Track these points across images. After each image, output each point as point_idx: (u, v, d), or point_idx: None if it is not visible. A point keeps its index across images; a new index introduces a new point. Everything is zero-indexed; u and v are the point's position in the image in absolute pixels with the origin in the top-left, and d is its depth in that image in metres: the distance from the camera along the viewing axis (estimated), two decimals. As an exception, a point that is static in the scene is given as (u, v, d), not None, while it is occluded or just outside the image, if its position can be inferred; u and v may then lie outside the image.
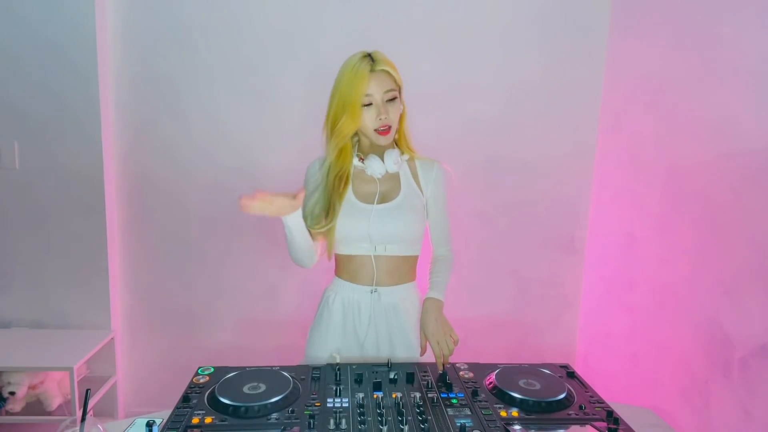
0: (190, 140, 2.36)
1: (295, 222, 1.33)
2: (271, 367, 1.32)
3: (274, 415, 1.09)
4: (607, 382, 2.27)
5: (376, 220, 1.40)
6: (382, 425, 1.07)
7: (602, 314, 2.37)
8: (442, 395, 1.20)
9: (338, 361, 1.41)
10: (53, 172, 2.26)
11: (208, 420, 1.08)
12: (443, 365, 1.31)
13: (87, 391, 1.12)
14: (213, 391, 1.18)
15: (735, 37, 1.61)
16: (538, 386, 1.23)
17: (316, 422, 1.06)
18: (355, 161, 1.44)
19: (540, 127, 2.41)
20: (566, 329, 2.57)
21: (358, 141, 1.47)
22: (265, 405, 1.12)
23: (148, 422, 1.04)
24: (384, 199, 1.43)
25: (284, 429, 1.05)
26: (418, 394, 1.20)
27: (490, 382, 1.26)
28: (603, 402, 1.20)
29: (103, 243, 2.30)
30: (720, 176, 1.64)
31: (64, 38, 2.18)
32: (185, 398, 1.17)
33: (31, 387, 2.12)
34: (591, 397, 1.22)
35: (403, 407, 1.13)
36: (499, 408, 1.15)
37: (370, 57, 1.35)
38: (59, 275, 2.32)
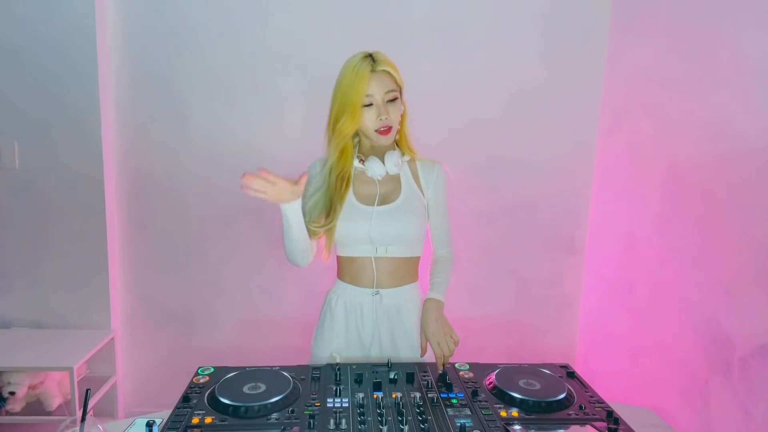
0: (190, 140, 2.36)
1: (293, 212, 1.32)
2: (271, 367, 1.32)
3: (274, 415, 1.10)
4: (607, 382, 2.27)
5: (377, 221, 1.40)
6: (382, 425, 1.07)
7: (602, 314, 2.37)
8: (442, 395, 1.20)
9: (338, 361, 1.41)
10: (53, 172, 2.26)
11: (208, 420, 1.08)
12: (443, 365, 1.31)
13: (87, 391, 1.12)
14: (213, 391, 1.18)
15: (735, 37, 1.61)
16: (538, 386, 1.23)
17: (316, 422, 1.06)
18: (356, 163, 1.44)
19: (540, 127, 2.41)
20: (566, 329, 2.57)
21: (359, 142, 1.47)
22: (265, 405, 1.12)
23: (148, 422, 1.04)
24: (384, 200, 1.43)
25: (284, 429, 1.05)
26: (418, 394, 1.20)
27: (490, 382, 1.26)
28: (603, 402, 1.20)
29: (103, 243, 2.30)
30: (720, 176, 1.64)
31: (64, 38, 2.18)
32: (185, 398, 1.17)
33: (31, 387, 2.12)
34: (591, 397, 1.22)
35: (403, 407, 1.13)
36: (499, 408, 1.15)
37: (371, 57, 1.35)
38: (59, 275, 2.32)
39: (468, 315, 2.49)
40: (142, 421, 1.13)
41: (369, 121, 1.36)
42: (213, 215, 2.40)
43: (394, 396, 1.19)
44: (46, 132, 2.23)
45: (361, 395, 1.19)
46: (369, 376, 1.29)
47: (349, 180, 1.42)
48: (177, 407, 1.13)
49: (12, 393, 2.05)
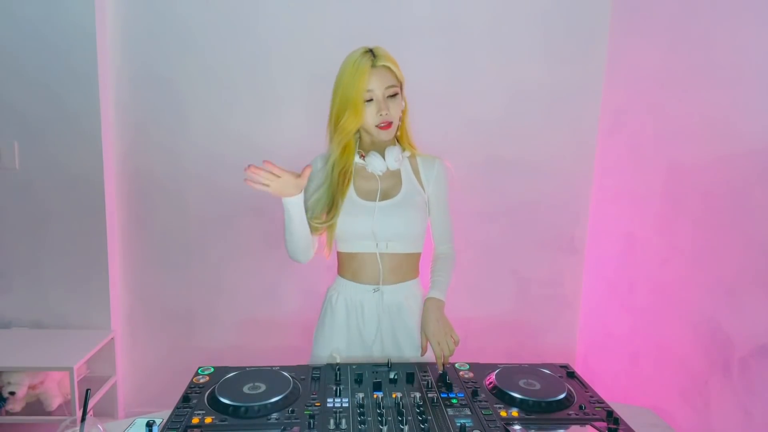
0: (190, 140, 2.36)
1: (296, 205, 1.32)
2: (271, 367, 1.32)
3: (274, 415, 1.09)
4: (607, 382, 2.27)
5: (379, 217, 1.40)
6: (382, 425, 1.07)
7: (602, 314, 2.37)
8: (442, 395, 1.20)
9: (338, 361, 1.41)
10: (53, 172, 2.26)
11: (208, 420, 1.08)
12: (443, 365, 1.31)
13: (87, 391, 1.12)
14: (213, 391, 1.18)
15: (735, 37, 1.61)
16: (538, 386, 1.23)
17: (316, 422, 1.06)
18: (356, 158, 1.44)
19: (540, 128, 2.41)
20: (566, 329, 2.57)
21: (359, 137, 1.46)
22: (265, 405, 1.12)
23: (148, 422, 1.04)
24: (385, 196, 1.43)
25: (284, 429, 1.04)
26: (418, 394, 1.20)
27: (490, 382, 1.26)
28: (603, 402, 1.20)
29: (103, 243, 2.30)
30: (720, 176, 1.64)
31: (64, 38, 2.18)
32: (185, 398, 1.17)
33: (31, 387, 2.12)
34: (591, 397, 1.22)
35: (403, 407, 1.13)
36: (499, 408, 1.15)
37: (371, 52, 1.35)
38: (59, 275, 2.32)
39: (468, 315, 2.49)
40: (142, 421, 1.13)
41: (369, 116, 1.36)
42: (213, 215, 2.40)
43: (394, 396, 1.19)
44: (46, 132, 2.23)
45: (361, 395, 1.19)
46: (369, 376, 1.29)
47: (351, 176, 1.42)
48: (177, 407, 1.13)
49: (12, 393, 2.05)
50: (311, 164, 1.46)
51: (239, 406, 1.11)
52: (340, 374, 1.28)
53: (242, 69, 2.32)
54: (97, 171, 2.26)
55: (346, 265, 1.47)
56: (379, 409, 1.12)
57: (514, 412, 1.13)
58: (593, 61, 2.38)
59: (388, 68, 1.35)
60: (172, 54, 2.30)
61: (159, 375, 2.49)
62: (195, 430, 1.05)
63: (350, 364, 1.35)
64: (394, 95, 1.36)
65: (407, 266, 1.46)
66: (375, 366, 1.35)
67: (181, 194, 2.38)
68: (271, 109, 2.35)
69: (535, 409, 1.15)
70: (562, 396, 1.18)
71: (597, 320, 2.43)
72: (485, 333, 2.51)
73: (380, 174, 1.43)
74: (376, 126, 1.37)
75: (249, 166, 1.21)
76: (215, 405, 1.13)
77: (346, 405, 1.15)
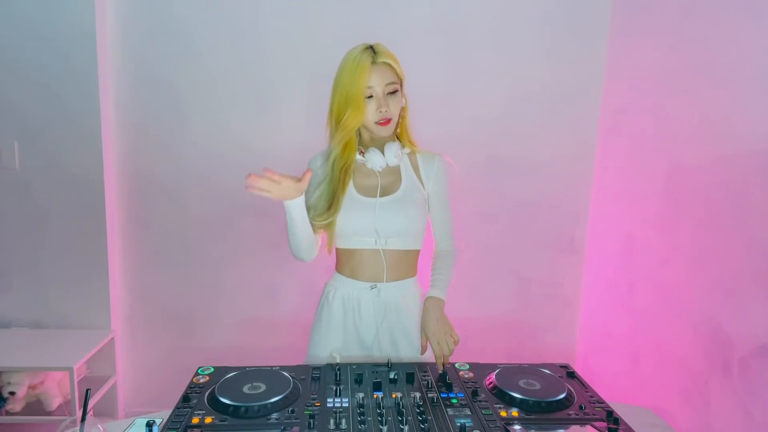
0: (190, 140, 2.36)
1: (297, 208, 1.32)
2: (271, 367, 1.32)
3: (274, 415, 1.09)
4: (607, 382, 2.27)
5: (379, 213, 1.40)
6: (382, 425, 1.07)
7: (602, 314, 2.37)
8: (442, 395, 1.20)
9: (338, 361, 1.41)
10: (53, 172, 2.26)
11: (208, 420, 1.08)
12: (443, 365, 1.31)
13: (87, 391, 1.12)
14: (213, 391, 1.18)
15: (735, 37, 1.61)
16: (538, 386, 1.23)
17: (316, 422, 1.06)
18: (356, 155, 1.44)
19: (540, 128, 2.41)
20: (566, 329, 2.57)
21: (359, 134, 1.46)
22: (265, 405, 1.12)
23: (148, 422, 1.04)
24: (385, 192, 1.43)
25: (284, 429, 1.04)
26: (418, 394, 1.20)
27: (490, 382, 1.26)
28: (603, 402, 1.20)
29: (103, 243, 2.30)
30: (720, 176, 1.64)
31: (64, 38, 2.18)
32: (185, 398, 1.17)
33: (31, 387, 2.12)
34: (591, 397, 1.22)
35: (403, 407, 1.13)
36: (499, 408, 1.15)
37: (371, 49, 1.35)
38: (59, 275, 2.32)
39: (468, 315, 2.49)
40: (142, 421, 1.13)
41: (369, 113, 1.36)
42: (213, 215, 2.40)
43: (394, 396, 1.19)
44: (45, 132, 2.23)
45: (361, 395, 1.19)
46: (369, 376, 1.29)
47: (351, 172, 1.41)
48: (177, 407, 1.13)
49: (12, 393, 2.05)
50: (310, 163, 1.47)
51: (239, 406, 1.11)
52: (340, 374, 1.28)
53: (242, 69, 2.32)
54: (97, 171, 2.26)
55: (345, 262, 1.47)
56: (379, 409, 1.12)
57: (514, 412, 1.13)
58: (593, 61, 2.37)
59: (389, 65, 1.35)
60: (172, 54, 2.30)
61: (159, 375, 2.49)
62: (195, 430, 1.05)
63: (350, 364, 1.35)
64: (394, 92, 1.37)
65: (405, 263, 1.46)
66: (375, 366, 1.35)
67: (181, 194, 2.38)
68: (270, 109, 2.35)
69: (535, 409, 1.15)
70: (562, 396, 1.18)
71: (597, 320, 2.43)
72: (485, 333, 2.51)
73: (380, 170, 1.44)
74: (375, 123, 1.37)
75: (249, 174, 1.21)
76: (215, 405, 1.13)
77: (346, 405, 1.15)
